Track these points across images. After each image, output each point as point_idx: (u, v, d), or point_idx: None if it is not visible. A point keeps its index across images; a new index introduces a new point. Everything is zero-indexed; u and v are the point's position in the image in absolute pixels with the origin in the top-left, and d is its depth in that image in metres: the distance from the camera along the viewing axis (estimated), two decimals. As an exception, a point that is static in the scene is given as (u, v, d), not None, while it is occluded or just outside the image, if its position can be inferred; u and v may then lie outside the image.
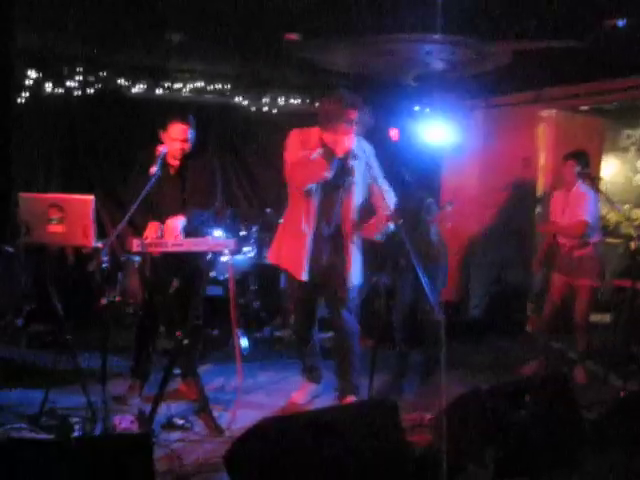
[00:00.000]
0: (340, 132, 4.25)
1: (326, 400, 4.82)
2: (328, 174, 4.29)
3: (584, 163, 5.57)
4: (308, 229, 4.45)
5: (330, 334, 6.17)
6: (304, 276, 4.48)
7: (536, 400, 3.74)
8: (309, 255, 4.47)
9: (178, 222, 4.38)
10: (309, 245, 4.46)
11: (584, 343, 5.67)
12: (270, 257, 4.85)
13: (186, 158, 4.56)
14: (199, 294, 4.55)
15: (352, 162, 4.31)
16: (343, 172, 4.35)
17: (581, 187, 5.57)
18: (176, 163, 4.55)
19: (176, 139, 4.45)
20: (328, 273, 4.55)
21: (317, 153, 4.31)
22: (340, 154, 4.24)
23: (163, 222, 4.42)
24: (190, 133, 4.50)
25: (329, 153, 4.26)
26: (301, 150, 4.40)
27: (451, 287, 6.68)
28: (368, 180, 4.50)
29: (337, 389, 4.81)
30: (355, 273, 4.58)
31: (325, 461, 3.06)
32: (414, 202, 5.25)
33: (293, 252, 4.52)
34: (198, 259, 4.50)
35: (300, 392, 4.88)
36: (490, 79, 6.86)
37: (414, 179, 5.23)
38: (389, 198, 4.46)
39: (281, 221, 4.98)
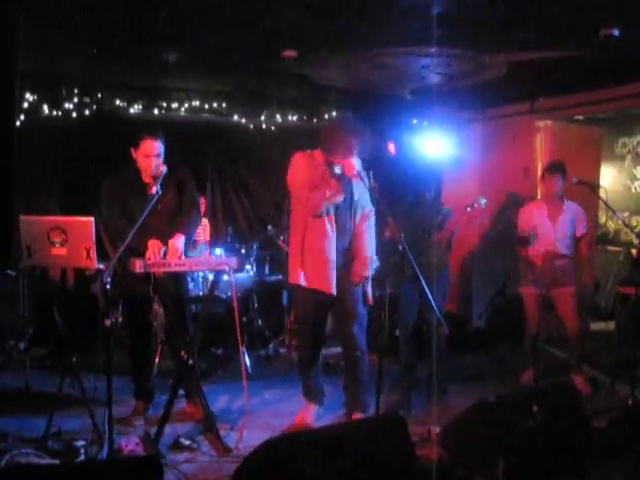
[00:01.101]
0: (344, 157, 4.40)
1: (330, 418, 4.80)
2: (342, 197, 4.46)
3: (565, 174, 5.63)
4: (329, 245, 4.49)
5: (331, 350, 6.19)
6: (334, 290, 4.49)
7: (543, 410, 3.72)
8: (333, 267, 4.50)
9: (180, 242, 4.41)
10: (333, 260, 4.49)
11: (579, 350, 5.69)
12: (293, 280, 4.69)
13: (159, 177, 4.48)
14: (203, 313, 4.54)
15: (357, 181, 4.46)
16: (350, 190, 4.51)
17: (567, 202, 5.68)
18: (151, 181, 4.54)
19: (149, 155, 4.50)
20: (343, 288, 4.56)
21: (325, 175, 4.46)
22: (350, 173, 4.39)
23: (143, 243, 4.39)
24: (160, 148, 4.55)
25: (340, 176, 4.44)
26: (309, 173, 4.48)
27: (454, 298, 6.67)
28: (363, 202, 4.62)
29: (345, 405, 4.79)
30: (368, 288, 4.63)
31: (335, 479, 3.04)
32: (428, 212, 5.29)
33: (319, 270, 4.51)
34: (180, 278, 4.52)
35: (303, 414, 4.82)
36: (486, 91, 6.88)
37: (432, 192, 5.30)
38: (369, 228, 4.65)
39: (279, 240, 4.96)
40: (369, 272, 4.61)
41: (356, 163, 4.42)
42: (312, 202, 4.45)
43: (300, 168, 4.54)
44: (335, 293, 4.51)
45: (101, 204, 4.61)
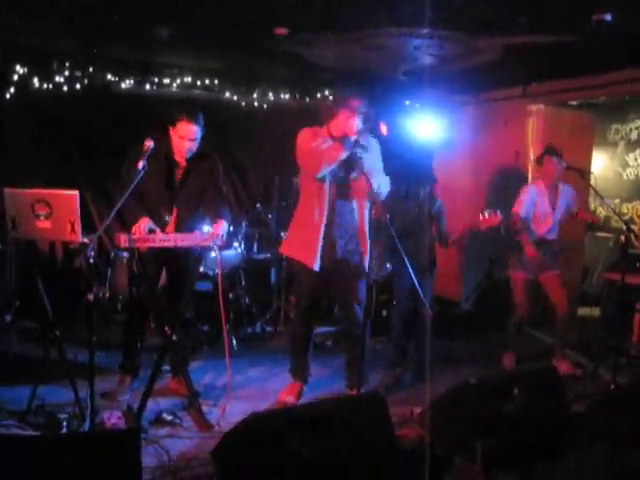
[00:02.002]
0: (345, 118, 4.42)
1: (318, 396, 4.81)
2: (344, 154, 4.39)
3: (561, 157, 5.63)
4: (321, 219, 4.50)
5: (324, 329, 6.22)
6: (316, 266, 4.50)
7: (524, 393, 3.75)
8: (322, 245, 4.51)
9: (224, 227, 4.43)
10: (322, 234, 4.50)
11: (564, 335, 5.72)
12: (283, 249, 4.89)
13: (192, 160, 4.54)
14: (189, 289, 4.54)
15: (364, 143, 4.41)
16: (355, 157, 4.40)
17: (564, 185, 5.68)
18: (182, 162, 4.54)
19: (183, 137, 4.43)
20: (343, 264, 4.58)
21: (328, 142, 4.46)
22: (352, 134, 4.37)
23: (161, 218, 4.44)
24: (198, 133, 4.46)
25: (342, 136, 4.41)
26: (315, 139, 4.50)
27: (444, 282, 6.68)
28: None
29: (347, 380, 4.82)
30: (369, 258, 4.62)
31: (314, 456, 3.06)
32: (421, 206, 5.32)
33: (306, 242, 4.55)
34: (187, 255, 4.51)
35: (287, 391, 4.84)
36: (479, 74, 6.86)
37: (427, 189, 5.32)
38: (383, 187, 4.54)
39: (268, 218, 4.97)
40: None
41: (358, 124, 4.40)
42: (311, 162, 4.46)
43: (306, 136, 4.55)
44: (318, 269, 4.51)
45: (124, 171, 4.47)
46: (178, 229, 4.50)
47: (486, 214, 5.15)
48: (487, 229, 5.21)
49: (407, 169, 5.48)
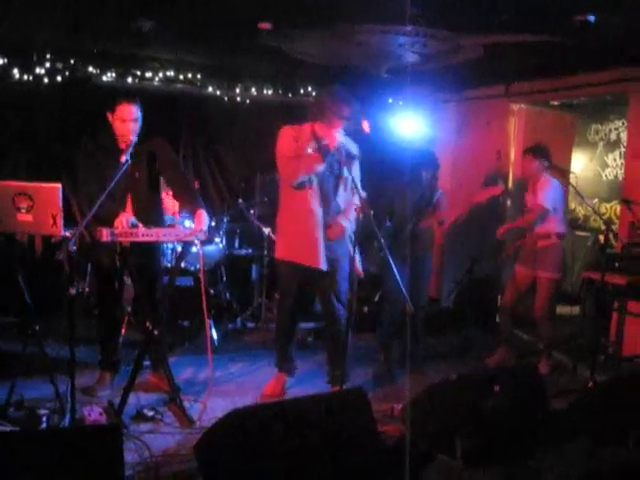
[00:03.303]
0: (332, 125, 4.41)
1: (300, 392, 4.79)
2: (321, 167, 4.44)
3: (544, 157, 5.64)
4: (316, 220, 4.51)
5: (305, 325, 6.23)
6: (324, 265, 4.51)
7: (506, 390, 3.77)
8: (323, 244, 4.52)
9: (206, 216, 4.42)
10: (321, 235, 4.51)
11: (546, 335, 5.75)
12: (279, 255, 4.73)
13: (136, 144, 4.46)
14: (159, 280, 4.52)
15: (343, 154, 4.45)
16: (338, 163, 4.52)
17: (544, 177, 5.68)
18: (127, 149, 4.40)
19: (125, 119, 4.42)
20: (329, 262, 4.59)
21: (310, 147, 4.47)
22: (333, 148, 4.40)
23: (116, 212, 4.35)
24: (137, 113, 4.48)
25: (323, 147, 4.43)
26: (294, 144, 4.49)
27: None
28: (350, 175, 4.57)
29: (329, 376, 4.84)
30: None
31: (296, 451, 3.06)
32: (423, 192, 5.35)
33: (307, 244, 4.53)
34: (155, 248, 4.56)
35: (272, 384, 4.87)
36: (462, 72, 6.88)
37: (430, 172, 5.33)
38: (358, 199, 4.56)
39: (250, 214, 4.94)
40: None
41: (339, 136, 4.43)
42: (288, 170, 4.48)
43: (286, 139, 4.54)
44: (325, 268, 4.53)
45: (76, 169, 4.51)
46: (137, 217, 4.44)
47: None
48: (489, 200, 5.25)
49: (410, 154, 5.49)
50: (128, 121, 4.43)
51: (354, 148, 4.67)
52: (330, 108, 4.42)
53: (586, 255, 8.44)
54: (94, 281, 5.85)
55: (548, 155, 5.66)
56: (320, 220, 4.53)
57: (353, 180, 4.40)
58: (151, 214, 4.57)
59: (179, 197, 4.74)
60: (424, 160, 5.43)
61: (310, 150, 4.48)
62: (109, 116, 4.49)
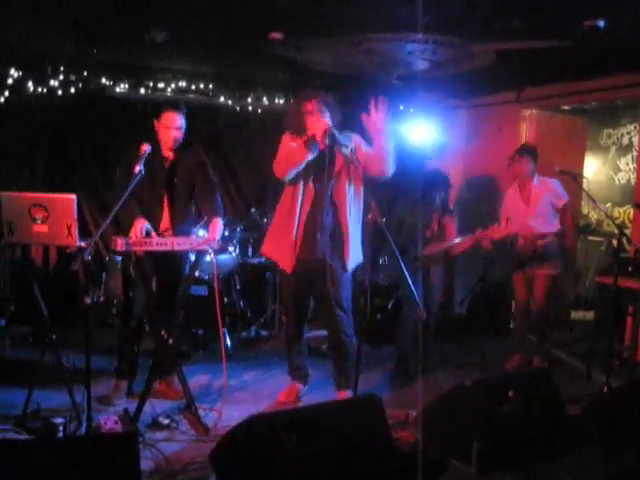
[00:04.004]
0: (310, 123, 4.41)
1: (313, 399, 4.81)
2: (308, 156, 4.39)
3: (535, 157, 5.74)
4: (295, 221, 4.50)
5: (319, 332, 6.24)
6: (290, 268, 4.52)
7: (520, 395, 3.77)
8: (295, 246, 4.51)
9: (221, 224, 4.52)
10: (294, 236, 4.50)
11: (543, 333, 5.83)
12: (263, 250, 4.89)
13: (179, 152, 4.64)
14: (183, 293, 4.56)
15: (333, 143, 4.40)
16: (329, 158, 4.41)
17: (538, 180, 5.75)
18: (170, 154, 4.61)
19: (169, 127, 4.53)
20: (321, 268, 4.53)
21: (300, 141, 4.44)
22: (318, 137, 4.34)
23: (156, 218, 4.48)
24: (182, 121, 4.57)
25: (309, 139, 4.38)
26: (289, 146, 4.53)
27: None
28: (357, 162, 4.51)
29: (335, 382, 4.83)
30: (352, 262, 4.61)
31: (311, 458, 3.08)
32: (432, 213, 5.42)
33: (281, 244, 4.57)
34: (182, 258, 4.54)
35: (286, 392, 4.89)
36: (473, 79, 6.89)
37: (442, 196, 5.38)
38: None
39: (263, 222, 4.99)
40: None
41: (326, 125, 4.33)
42: (278, 167, 4.50)
43: (284, 142, 4.61)
44: (291, 271, 4.53)
45: (119, 172, 4.56)
46: (172, 225, 4.57)
47: (501, 224, 5.28)
48: (502, 239, 5.36)
49: (423, 174, 5.52)
50: (172, 129, 4.54)
51: (348, 139, 4.50)
52: (296, 111, 4.54)
53: (599, 260, 8.40)
54: (121, 289, 5.90)
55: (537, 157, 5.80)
56: (299, 223, 4.49)
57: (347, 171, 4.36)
58: (185, 220, 4.68)
59: (202, 203, 4.77)
60: (437, 182, 5.47)
61: (295, 145, 4.48)
62: (155, 123, 4.59)
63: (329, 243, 4.53)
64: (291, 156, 4.43)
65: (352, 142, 4.47)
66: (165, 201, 4.61)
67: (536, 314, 5.79)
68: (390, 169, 4.49)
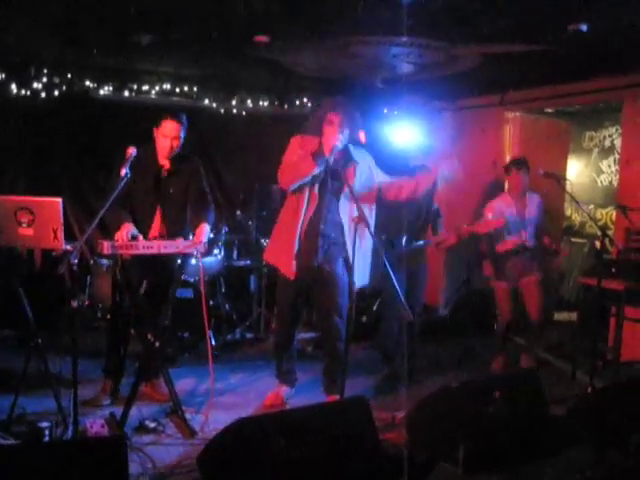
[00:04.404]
0: (326, 134, 4.44)
1: (300, 401, 4.81)
2: (315, 171, 4.39)
3: (528, 169, 5.77)
4: (298, 228, 4.50)
5: (305, 335, 6.24)
6: (293, 275, 4.53)
7: (506, 397, 3.80)
8: (298, 253, 4.51)
9: (207, 230, 4.50)
10: (297, 243, 4.50)
11: (537, 335, 5.89)
12: (265, 256, 4.91)
13: (175, 161, 4.61)
14: (171, 297, 4.55)
15: (341, 163, 4.45)
16: (336, 173, 4.44)
17: (529, 194, 5.84)
18: (166, 163, 4.59)
19: (167, 136, 4.51)
20: (323, 274, 4.57)
21: (309, 152, 4.44)
22: (327, 152, 4.37)
23: (146, 225, 4.46)
24: (181, 131, 4.55)
25: (317, 152, 4.40)
26: (298, 151, 4.51)
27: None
28: (371, 183, 4.61)
29: (324, 387, 4.84)
30: (359, 275, 4.49)
31: (298, 461, 3.08)
32: (419, 208, 5.44)
33: (284, 250, 4.57)
34: (170, 261, 4.52)
35: (274, 395, 4.88)
36: (457, 82, 6.93)
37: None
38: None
39: (248, 225, 4.98)
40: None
41: (338, 141, 4.39)
42: (284, 176, 4.51)
43: (292, 147, 4.58)
44: (293, 277, 4.54)
45: (111, 178, 4.47)
46: (166, 231, 4.55)
47: (490, 216, 5.28)
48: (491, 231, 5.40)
49: (407, 170, 5.52)
50: (169, 137, 4.51)
51: (362, 157, 4.63)
52: (320, 117, 4.50)
53: (583, 261, 8.47)
54: (105, 292, 5.87)
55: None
56: (302, 230, 4.50)
57: (350, 188, 4.29)
58: (178, 229, 4.61)
59: (192, 209, 4.75)
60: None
61: (305, 154, 4.46)
62: (154, 130, 4.57)
63: (332, 251, 4.58)
64: (297, 168, 4.43)
65: (369, 168, 4.60)
66: (157, 209, 4.58)
67: (534, 323, 5.81)
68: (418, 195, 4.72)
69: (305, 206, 4.51)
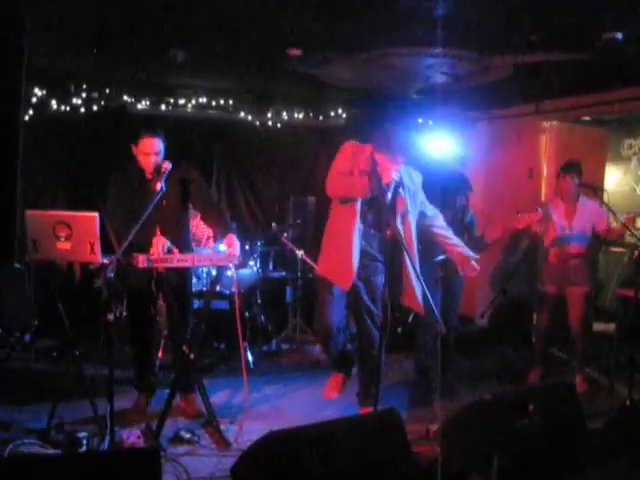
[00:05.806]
0: (389, 160, 4.32)
1: (333, 414, 4.77)
2: (366, 195, 4.32)
3: (580, 174, 5.64)
4: (354, 241, 4.45)
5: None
6: (348, 287, 4.50)
7: (541, 409, 3.76)
8: (354, 268, 4.47)
9: (236, 239, 4.45)
10: (353, 259, 4.45)
11: (582, 351, 5.74)
12: (319, 271, 4.79)
13: (165, 173, 4.46)
14: (190, 305, 4.57)
15: (393, 192, 4.40)
16: (389, 203, 4.40)
17: (585, 201, 5.68)
18: (154, 178, 4.47)
19: (147, 153, 4.46)
20: (365, 286, 4.58)
21: (365, 170, 4.34)
22: (385, 182, 4.30)
23: (148, 241, 4.36)
24: (159, 145, 4.50)
25: (375, 177, 4.29)
26: (351, 159, 4.43)
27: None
28: (417, 208, 4.60)
29: (358, 397, 4.84)
30: (411, 296, 4.56)
31: (330, 474, 3.09)
32: (455, 215, 5.45)
33: (339, 266, 4.52)
34: (184, 271, 4.57)
35: (331, 385, 4.94)
36: (492, 91, 6.91)
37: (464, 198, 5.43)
38: (443, 227, 4.75)
39: (283, 237, 4.97)
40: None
41: (395, 174, 4.30)
42: (334, 184, 4.42)
43: (344, 154, 4.48)
44: (348, 289, 4.51)
45: (108, 199, 4.62)
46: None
47: (525, 214, 5.24)
48: (526, 227, 5.33)
49: (442, 178, 5.51)
50: (150, 154, 4.46)
51: (415, 176, 4.61)
52: (393, 146, 4.32)
53: (622, 271, 8.33)
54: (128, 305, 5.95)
55: (582, 172, 5.67)
56: (358, 241, 4.47)
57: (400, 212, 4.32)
58: (179, 241, 4.55)
59: (209, 222, 4.79)
60: (458, 185, 5.48)
61: (361, 173, 4.36)
62: (134, 149, 4.53)
63: (375, 264, 4.58)
64: (351, 186, 4.35)
65: (421, 204, 4.62)
66: (157, 225, 4.47)
67: (578, 334, 5.69)
68: None
69: (358, 222, 4.45)
